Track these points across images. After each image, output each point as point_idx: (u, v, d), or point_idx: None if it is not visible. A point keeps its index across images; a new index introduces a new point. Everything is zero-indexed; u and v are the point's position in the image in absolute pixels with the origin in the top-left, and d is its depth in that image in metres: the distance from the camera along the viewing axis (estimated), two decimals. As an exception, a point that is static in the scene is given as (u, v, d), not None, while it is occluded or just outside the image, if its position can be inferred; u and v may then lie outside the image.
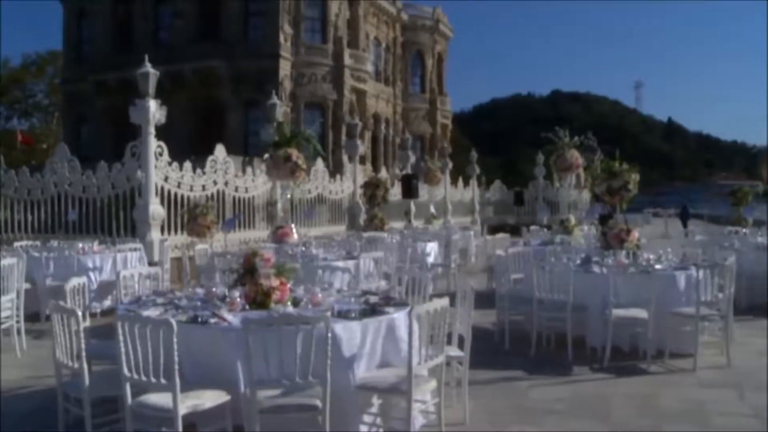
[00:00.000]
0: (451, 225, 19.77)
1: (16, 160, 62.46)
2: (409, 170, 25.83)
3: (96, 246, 11.23)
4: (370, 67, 49.28)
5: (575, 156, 12.94)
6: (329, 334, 4.45)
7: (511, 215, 37.52)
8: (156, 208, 13.21)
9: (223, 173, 15.56)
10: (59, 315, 4.99)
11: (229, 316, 4.94)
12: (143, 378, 4.40)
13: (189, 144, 46.15)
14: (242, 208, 16.43)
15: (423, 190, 24.23)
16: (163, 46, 45.42)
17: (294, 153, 9.09)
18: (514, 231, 36.78)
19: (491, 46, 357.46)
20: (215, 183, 15.33)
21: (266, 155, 9.34)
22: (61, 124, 57.98)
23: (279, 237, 9.24)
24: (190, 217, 11.94)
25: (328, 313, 4.74)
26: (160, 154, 13.71)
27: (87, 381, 4.74)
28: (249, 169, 16.73)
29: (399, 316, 5.18)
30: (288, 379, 4.41)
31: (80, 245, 10.96)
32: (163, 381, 4.32)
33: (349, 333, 4.87)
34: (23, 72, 77.79)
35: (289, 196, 9.17)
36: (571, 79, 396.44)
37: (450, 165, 28.33)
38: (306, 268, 7.86)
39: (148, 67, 13.31)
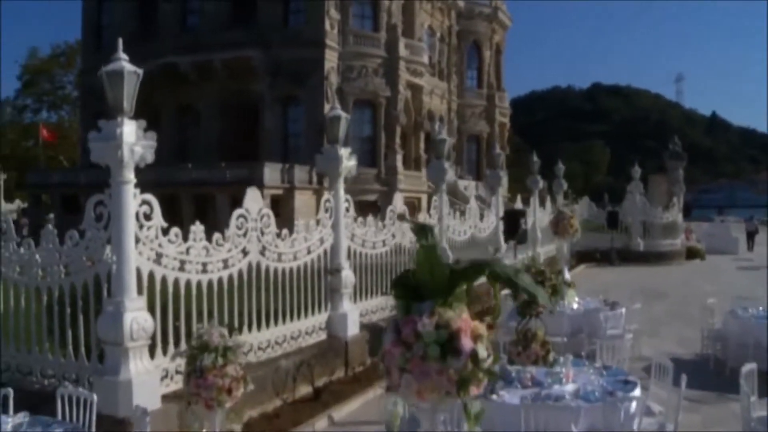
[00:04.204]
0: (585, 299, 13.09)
1: (40, 156, 57.90)
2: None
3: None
4: (426, 59, 43.04)
5: None
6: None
7: (601, 238, 30.95)
8: (139, 318, 7.22)
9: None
10: None
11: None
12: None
13: (217, 147, 40.48)
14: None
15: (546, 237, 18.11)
16: (190, 32, 39.88)
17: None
18: (604, 258, 30.53)
19: (532, 39, 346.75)
20: (245, 253, 9.22)
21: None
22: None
23: None
24: (190, 368, 5.82)
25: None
26: (147, 217, 7.64)
27: None
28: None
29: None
30: None
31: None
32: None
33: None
34: (52, 62, 73.89)
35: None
36: (612, 72, 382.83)
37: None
38: None
39: (122, 61, 7.20)
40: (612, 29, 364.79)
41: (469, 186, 46.90)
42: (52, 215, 44.21)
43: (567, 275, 12.64)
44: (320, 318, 10.94)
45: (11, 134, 73.05)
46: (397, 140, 39.43)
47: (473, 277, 3.27)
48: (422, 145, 42.65)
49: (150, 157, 7.21)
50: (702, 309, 12.21)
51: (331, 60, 36.97)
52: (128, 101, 7.04)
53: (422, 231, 3.25)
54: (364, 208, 31.99)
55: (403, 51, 39.33)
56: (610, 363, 9.16)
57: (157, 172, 33.19)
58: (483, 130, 54.81)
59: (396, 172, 38.58)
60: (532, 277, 7.59)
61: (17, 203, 57.57)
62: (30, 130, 68.33)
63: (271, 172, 32.77)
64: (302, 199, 33.64)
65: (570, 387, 7.11)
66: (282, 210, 32.80)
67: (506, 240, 16.79)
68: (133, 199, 7.28)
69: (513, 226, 15.61)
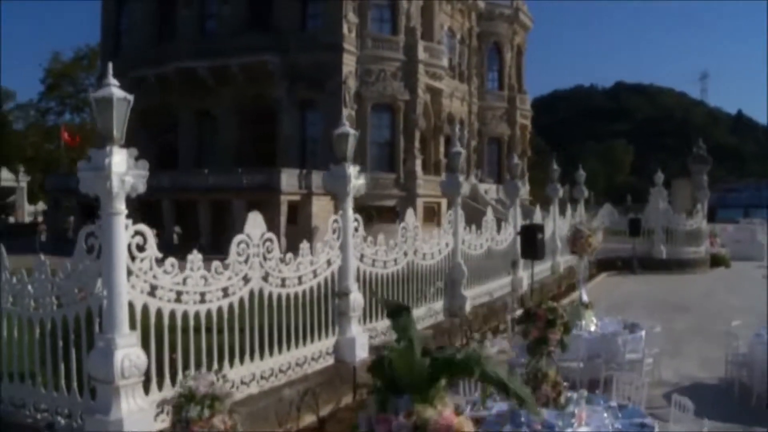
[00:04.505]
0: (604, 320, 12.68)
1: (62, 159, 58.10)
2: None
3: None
4: (445, 62, 42.56)
5: None
6: None
7: (623, 245, 30.26)
8: (131, 355, 6.92)
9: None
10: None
11: None
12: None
13: (235, 152, 40.23)
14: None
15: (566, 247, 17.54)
16: (208, 37, 39.70)
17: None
18: (626, 266, 29.84)
19: (554, 37, 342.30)
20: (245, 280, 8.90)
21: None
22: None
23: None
24: (176, 419, 5.56)
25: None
26: (141, 249, 7.33)
27: None
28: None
29: None
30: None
31: None
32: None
33: None
34: (74, 66, 74.52)
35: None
36: (635, 70, 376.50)
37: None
38: None
39: (112, 87, 6.83)
40: (636, 27, 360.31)
41: (489, 189, 46.41)
42: (72, 218, 44.27)
43: (584, 296, 12.13)
44: (327, 343, 10.57)
45: (35, 137, 73.78)
46: (417, 144, 39.01)
47: (458, 373, 2.90)
48: (442, 149, 42.20)
49: (142, 187, 6.88)
50: (726, 331, 11.68)
51: (349, 64, 36.63)
52: (118, 129, 6.71)
53: (397, 315, 2.87)
54: (383, 214, 31.83)
55: (422, 54, 38.92)
56: (628, 391, 8.73)
57: (173, 178, 33.16)
58: (504, 132, 54.22)
59: (415, 177, 38.15)
60: (544, 315, 7.22)
61: (39, 205, 57.93)
62: (53, 132, 69.03)
63: (288, 178, 32.44)
64: (320, 205, 33.29)
65: (582, 431, 6.71)
66: (299, 216, 32.53)
67: (523, 256, 16.37)
68: (124, 231, 6.96)
69: (530, 241, 15.16)
